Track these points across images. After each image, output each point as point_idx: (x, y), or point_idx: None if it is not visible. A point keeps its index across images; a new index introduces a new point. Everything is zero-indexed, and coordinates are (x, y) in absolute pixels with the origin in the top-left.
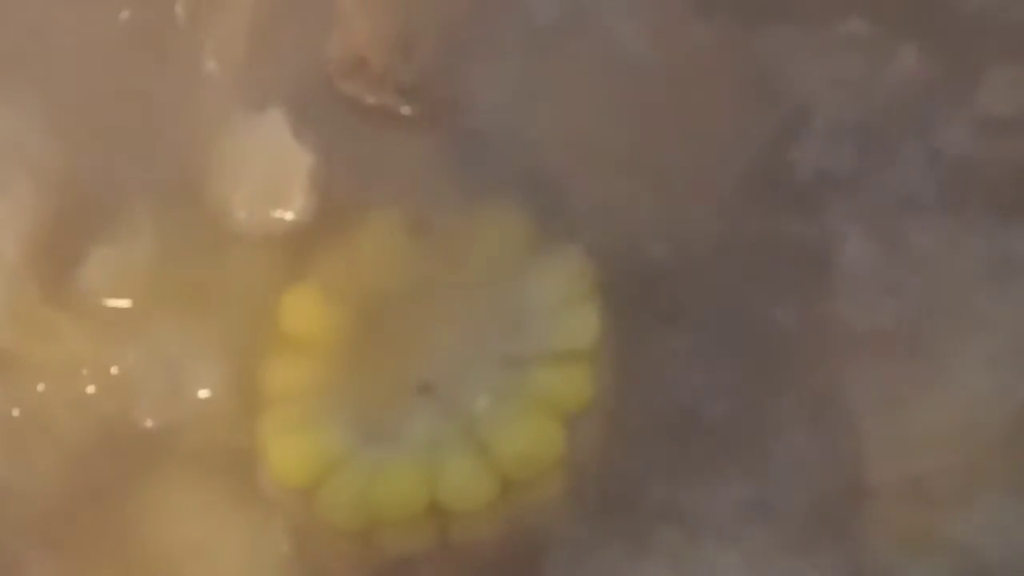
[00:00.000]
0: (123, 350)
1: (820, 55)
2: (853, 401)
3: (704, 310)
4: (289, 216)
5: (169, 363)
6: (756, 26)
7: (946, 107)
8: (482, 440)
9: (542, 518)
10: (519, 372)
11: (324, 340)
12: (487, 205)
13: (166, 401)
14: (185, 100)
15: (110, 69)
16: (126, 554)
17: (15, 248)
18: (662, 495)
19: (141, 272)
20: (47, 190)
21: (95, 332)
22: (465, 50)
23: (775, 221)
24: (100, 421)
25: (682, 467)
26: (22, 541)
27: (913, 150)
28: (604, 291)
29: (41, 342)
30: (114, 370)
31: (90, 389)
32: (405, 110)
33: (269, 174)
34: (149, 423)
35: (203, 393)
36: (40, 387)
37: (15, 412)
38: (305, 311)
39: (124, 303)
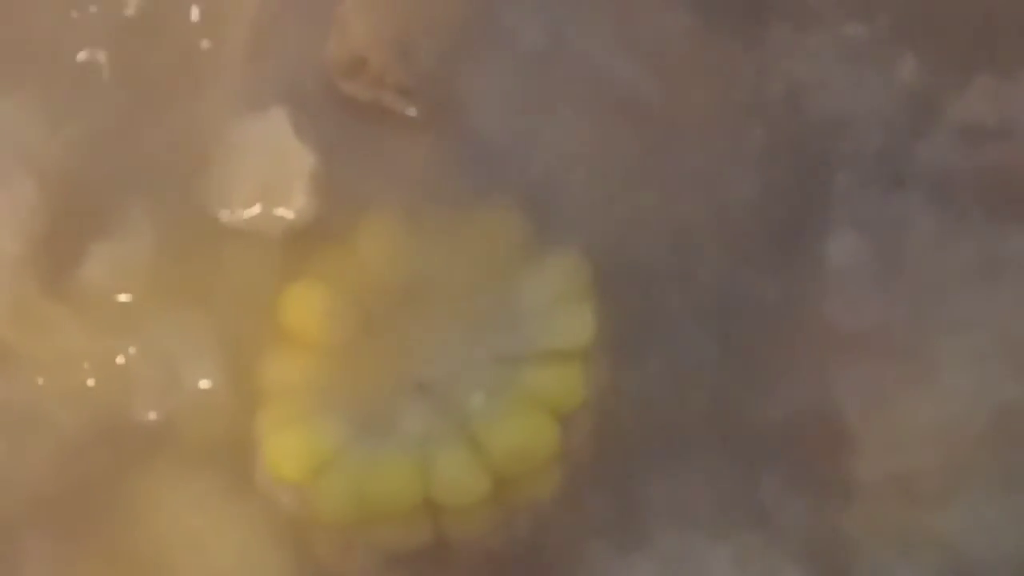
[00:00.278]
0: (122, 344)
1: (813, 58)
2: (841, 399)
3: (697, 309)
4: (289, 214)
5: (168, 357)
6: (751, 28)
7: (935, 111)
8: (476, 436)
9: (536, 515)
10: (514, 370)
11: (322, 336)
12: (484, 205)
13: (165, 395)
14: (187, 98)
15: (112, 67)
16: (123, 546)
17: (16, 243)
18: (655, 493)
19: (141, 268)
20: (48, 186)
21: (95, 326)
22: (464, 51)
23: (769, 222)
24: (99, 414)
25: (675, 465)
26: (20, 532)
27: (903, 152)
28: (599, 290)
29: (41, 336)
30: (113, 364)
31: (89, 382)
32: (405, 110)
33: (270, 173)
34: (148, 417)
35: (201, 387)
36: (40, 380)
37: (15, 405)
38: (304, 307)
39: (124, 298)
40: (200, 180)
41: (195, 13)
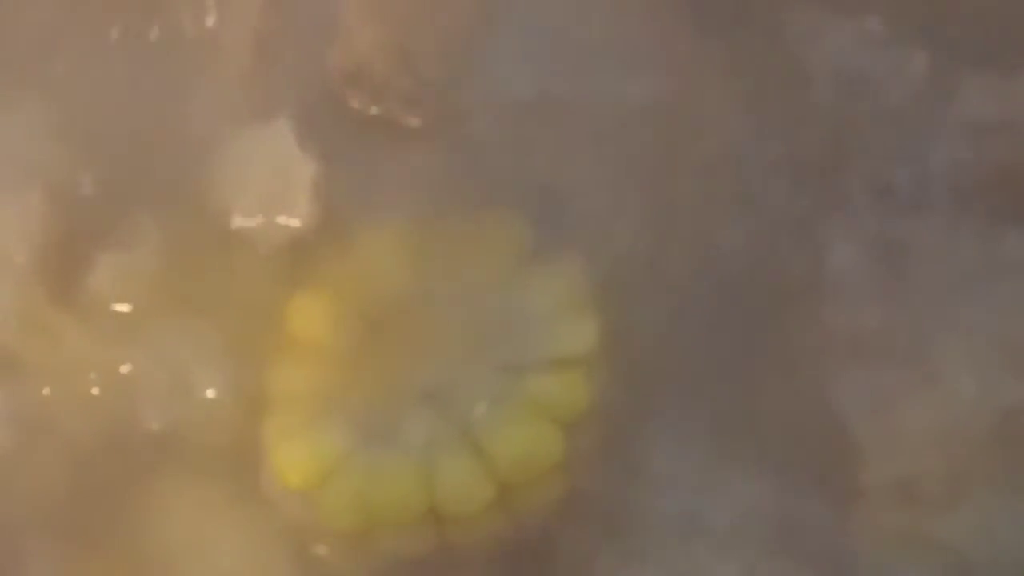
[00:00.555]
0: (129, 353)
1: (817, 53)
2: (843, 405)
3: (699, 316)
4: (293, 223)
5: (174, 367)
6: (752, 28)
7: (936, 111)
8: (480, 444)
9: (540, 523)
10: (518, 378)
11: (327, 345)
12: (487, 213)
13: (171, 404)
14: (191, 109)
15: (117, 79)
16: (129, 554)
17: (23, 252)
18: (659, 501)
19: (147, 277)
20: (55, 196)
21: (102, 336)
22: (466, 60)
23: (769, 224)
24: (106, 423)
25: (678, 473)
26: (28, 540)
27: (904, 153)
28: (601, 298)
29: (49, 345)
30: (120, 373)
31: (96, 391)
32: (407, 119)
33: (274, 182)
34: (154, 425)
35: (207, 396)
36: (47, 390)
37: (22, 414)
38: (309, 316)
39: (130, 308)
40: (205, 190)
41: (201, 25)
